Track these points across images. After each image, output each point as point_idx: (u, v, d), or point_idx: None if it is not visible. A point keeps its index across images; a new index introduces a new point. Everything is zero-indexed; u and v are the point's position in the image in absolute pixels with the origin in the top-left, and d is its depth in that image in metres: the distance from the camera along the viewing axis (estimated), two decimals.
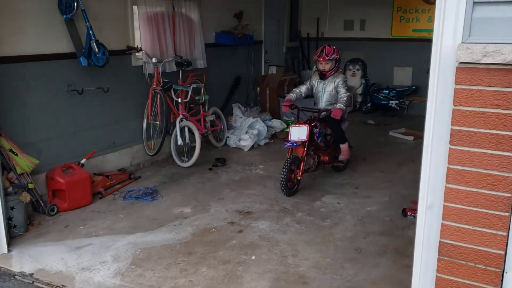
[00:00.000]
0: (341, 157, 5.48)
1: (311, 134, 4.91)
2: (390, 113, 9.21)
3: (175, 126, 6.04)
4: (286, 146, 4.92)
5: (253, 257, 3.74)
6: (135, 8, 5.84)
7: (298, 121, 5.12)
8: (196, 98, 6.54)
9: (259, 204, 4.83)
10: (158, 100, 5.87)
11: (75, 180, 4.65)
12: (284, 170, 4.84)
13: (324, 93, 5.24)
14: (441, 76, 2.05)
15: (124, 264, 3.63)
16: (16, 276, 3.46)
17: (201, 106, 6.62)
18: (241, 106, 7.74)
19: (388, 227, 4.31)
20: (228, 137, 7.12)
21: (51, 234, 4.14)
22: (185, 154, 6.15)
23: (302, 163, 4.92)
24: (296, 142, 4.87)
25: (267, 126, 7.30)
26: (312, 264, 3.64)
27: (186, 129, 6.08)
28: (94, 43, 4.85)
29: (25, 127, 4.55)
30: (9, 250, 3.80)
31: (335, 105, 5.09)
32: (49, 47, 4.72)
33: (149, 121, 5.97)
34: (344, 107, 4.97)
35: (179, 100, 6.07)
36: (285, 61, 9.93)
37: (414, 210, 4.40)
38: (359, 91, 9.78)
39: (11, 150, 4.18)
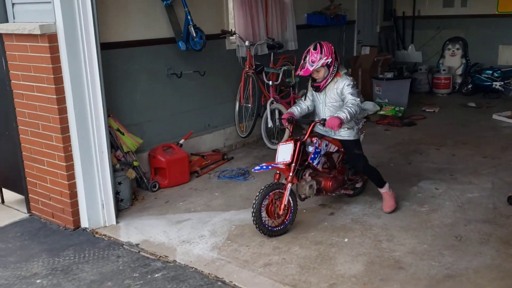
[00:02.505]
0: (386, 210, 4.11)
1: (302, 153, 3.80)
2: (493, 95, 8.54)
3: (265, 108, 6.12)
4: (254, 171, 3.81)
5: (346, 240, 3.72)
6: None
7: (290, 137, 3.91)
8: (287, 80, 6.55)
9: None
10: (250, 83, 5.97)
11: (174, 159, 4.91)
12: (255, 201, 3.64)
13: (325, 106, 3.94)
14: None
15: (221, 239, 3.79)
16: (124, 246, 3.76)
17: (291, 88, 6.63)
18: None
19: (491, 214, 4.04)
20: None
21: (154, 209, 4.43)
22: (275, 137, 6.22)
23: (285, 193, 3.71)
24: (277, 164, 3.75)
25: None
26: (408, 249, 3.53)
27: (277, 111, 6.13)
28: (192, 28, 5.04)
29: (130, 108, 4.88)
30: (117, 222, 4.13)
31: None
32: (151, 33, 4.99)
33: (241, 104, 6.10)
34: (346, 115, 3.65)
35: (270, 82, 6.12)
36: (378, 41, 9.59)
37: None
38: (459, 71, 9.18)
39: (118, 130, 4.51)
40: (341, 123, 3.64)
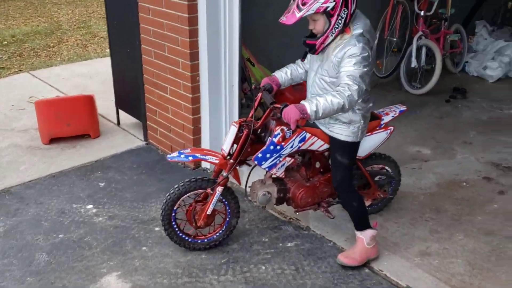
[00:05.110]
0: (342, 258, 2.61)
1: (254, 144, 2.54)
2: None
3: (409, 44, 5.13)
4: (168, 159, 2.62)
5: None
6: None
7: (249, 117, 2.57)
8: (439, 11, 5.41)
9: None
10: (400, 12, 4.97)
11: (303, 98, 4.23)
12: (166, 198, 2.59)
13: (315, 77, 2.48)
14: None
15: None
16: (249, 197, 3.27)
17: (443, 21, 5.49)
18: (487, 24, 6.31)
19: None
20: (467, 62, 5.93)
21: None
22: (418, 79, 5.26)
23: (211, 198, 2.59)
24: (206, 156, 2.63)
25: None
26: None
27: (424, 49, 5.13)
28: None
29: (259, 33, 4.19)
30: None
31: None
32: None
33: (385, 37, 5.15)
34: (317, 109, 2.22)
35: (422, 12, 5.07)
36: None
37: None
38: None
39: (248, 60, 3.89)
40: (302, 118, 2.24)
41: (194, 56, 3.25)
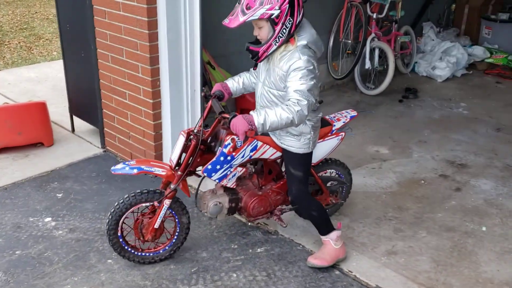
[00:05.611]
0: (311, 260, 2.63)
1: (204, 154, 2.48)
2: None
3: (363, 46, 5.25)
4: (113, 171, 2.45)
5: (484, 228, 3.04)
6: None
7: (199, 125, 2.49)
8: (390, 14, 5.58)
9: (474, 156, 4.00)
10: (353, 15, 5.07)
11: None
12: (111, 212, 2.47)
13: (263, 88, 2.42)
14: None
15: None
16: None
17: (394, 23, 5.66)
18: (434, 26, 6.57)
19: None
20: (416, 62, 6.14)
21: None
22: (371, 80, 5.39)
23: (158, 212, 2.49)
24: (152, 168, 2.46)
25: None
26: None
27: (377, 50, 5.26)
28: None
29: (218, 37, 4.14)
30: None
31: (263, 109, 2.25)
32: None
33: (340, 39, 5.24)
34: (264, 123, 2.19)
35: (374, 15, 5.20)
36: None
37: None
38: None
39: (208, 63, 3.84)
40: (250, 129, 2.19)
41: (154, 60, 3.16)
